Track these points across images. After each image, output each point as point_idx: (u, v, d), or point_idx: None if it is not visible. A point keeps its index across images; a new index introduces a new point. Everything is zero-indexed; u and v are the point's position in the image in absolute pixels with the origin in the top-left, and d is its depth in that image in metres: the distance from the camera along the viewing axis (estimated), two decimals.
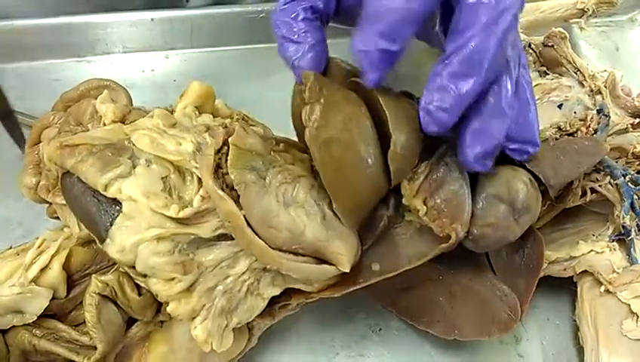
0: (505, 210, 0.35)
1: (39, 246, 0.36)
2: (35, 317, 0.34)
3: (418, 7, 0.31)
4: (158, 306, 0.37)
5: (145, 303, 0.35)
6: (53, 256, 0.35)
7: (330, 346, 0.43)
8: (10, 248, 0.39)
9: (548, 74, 0.49)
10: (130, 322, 0.37)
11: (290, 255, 0.33)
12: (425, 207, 0.35)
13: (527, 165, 0.37)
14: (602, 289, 0.41)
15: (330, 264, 0.34)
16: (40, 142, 0.41)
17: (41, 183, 0.39)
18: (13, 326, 0.35)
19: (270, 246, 0.32)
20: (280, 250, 0.33)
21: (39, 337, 0.35)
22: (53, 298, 0.35)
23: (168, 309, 0.32)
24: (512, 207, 0.35)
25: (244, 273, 0.34)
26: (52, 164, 0.34)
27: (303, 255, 0.34)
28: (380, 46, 0.32)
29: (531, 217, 0.37)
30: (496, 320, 0.38)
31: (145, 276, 0.32)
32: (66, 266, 0.36)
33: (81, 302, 0.36)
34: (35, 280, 0.35)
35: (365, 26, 0.32)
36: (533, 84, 0.48)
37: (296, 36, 0.37)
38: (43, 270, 0.35)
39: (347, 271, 0.34)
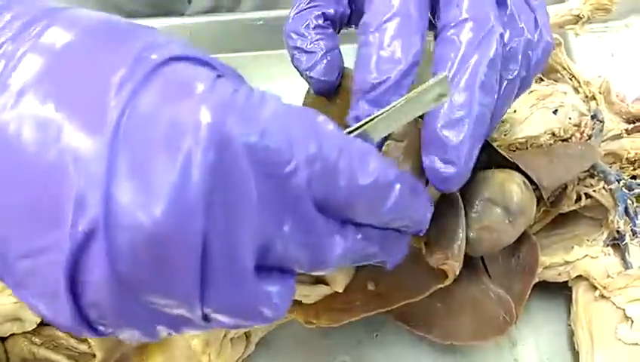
0: (500, 213, 0.36)
1: None
2: (35, 325, 0.35)
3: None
4: None
5: None
6: None
7: (327, 351, 0.43)
8: None
9: (543, 80, 0.49)
10: None
11: None
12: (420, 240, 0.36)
13: (520, 167, 0.37)
14: (597, 293, 0.41)
15: (325, 283, 0.34)
16: None
17: None
18: (13, 335, 0.35)
19: None
20: None
21: (38, 345, 0.35)
22: None
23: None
24: (507, 210, 0.36)
25: None
26: None
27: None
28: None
29: (526, 219, 0.37)
30: (492, 324, 0.38)
31: None
32: None
33: None
34: None
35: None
36: (529, 90, 0.49)
37: (307, 45, 0.36)
38: None
39: (340, 291, 0.34)
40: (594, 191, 0.41)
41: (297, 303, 0.36)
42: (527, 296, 0.39)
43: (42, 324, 0.35)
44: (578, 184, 0.41)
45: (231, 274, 0.21)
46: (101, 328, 0.22)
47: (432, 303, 0.39)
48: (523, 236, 0.39)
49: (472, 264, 0.39)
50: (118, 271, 0.19)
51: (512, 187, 0.36)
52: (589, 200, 0.41)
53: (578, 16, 0.51)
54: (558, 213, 0.42)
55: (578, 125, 0.44)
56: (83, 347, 0.35)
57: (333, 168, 0.22)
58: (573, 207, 0.41)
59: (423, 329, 0.40)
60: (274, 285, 0.23)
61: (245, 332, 0.37)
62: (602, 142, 0.43)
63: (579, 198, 0.41)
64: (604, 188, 0.41)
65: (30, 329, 0.35)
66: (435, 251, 0.35)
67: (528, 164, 0.37)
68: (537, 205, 0.38)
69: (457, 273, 0.34)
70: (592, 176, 0.41)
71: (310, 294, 0.35)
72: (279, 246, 0.22)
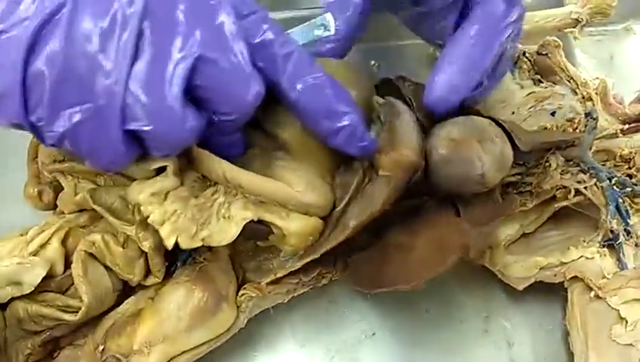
0: (467, 131, 0.37)
1: (41, 227, 0.39)
2: (32, 288, 0.36)
3: None
4: (147, 269, 0.39)
5: (130, 256, 0.38)
6: (53, 234, 0.38)
7: (324, 350, 0.44)
8: None
9: (542, 82, 0.49)
10: (121, 301, 0.39)
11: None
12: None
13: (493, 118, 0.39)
14: (592, 294, 0.40)
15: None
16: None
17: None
18: (11, 301, 0.37)
19: None
20: None
21: (32, 303, 0.37)
22: (52, 275, 0.37)
23: (142, 209, 0.35)
24: (473, 132, 0.37)
25: (216, 192, 0.36)
26: None
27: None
28: None
29: (497, 149, 0.37)
30: (450, 245, 0.37)
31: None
32: (64, 244, 0.38)
33: None
34: (34, 254, 0.37)
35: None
36: (528, 92, 0.49)
37: None
38: (43, 246, 0.38)
39: (303, 197, 0.36)
40: (585, 188, 0.40)
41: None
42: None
43: (40, 291, 0.37)
44: (569, 178, 0.41)
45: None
46: None
47: (397, 257, 0.39)
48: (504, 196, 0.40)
49: (443, 210, 0.40)
50: None
51: (478, 119, 0.37)
52: (580, 197, 0.41)
53: (577, 19, 0.52)
54: (554, 213, 0.42)
55: (571, 120, 0.44)
56: (74, 302, 0.37)
57: None
58: (565, 203, 0.41)
59: (391, 280, 0.38)
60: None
61: (236, 302, 0.39)
62: (596, 140, 0.43)
63: (569, 193, 0.41)
64: (595, 185, 0.40)
65: (28, 291, 0.37)
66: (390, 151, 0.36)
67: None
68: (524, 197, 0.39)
69: (413, 162, 0.35)
70: (583, 171, 0.41)
71: (281, 201, 0.36)
72: None
